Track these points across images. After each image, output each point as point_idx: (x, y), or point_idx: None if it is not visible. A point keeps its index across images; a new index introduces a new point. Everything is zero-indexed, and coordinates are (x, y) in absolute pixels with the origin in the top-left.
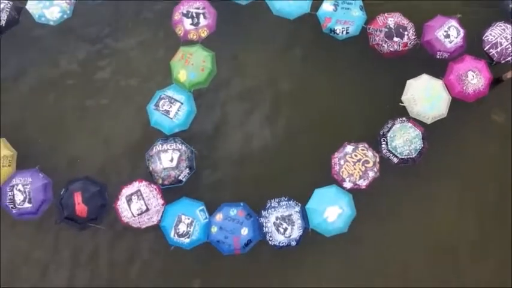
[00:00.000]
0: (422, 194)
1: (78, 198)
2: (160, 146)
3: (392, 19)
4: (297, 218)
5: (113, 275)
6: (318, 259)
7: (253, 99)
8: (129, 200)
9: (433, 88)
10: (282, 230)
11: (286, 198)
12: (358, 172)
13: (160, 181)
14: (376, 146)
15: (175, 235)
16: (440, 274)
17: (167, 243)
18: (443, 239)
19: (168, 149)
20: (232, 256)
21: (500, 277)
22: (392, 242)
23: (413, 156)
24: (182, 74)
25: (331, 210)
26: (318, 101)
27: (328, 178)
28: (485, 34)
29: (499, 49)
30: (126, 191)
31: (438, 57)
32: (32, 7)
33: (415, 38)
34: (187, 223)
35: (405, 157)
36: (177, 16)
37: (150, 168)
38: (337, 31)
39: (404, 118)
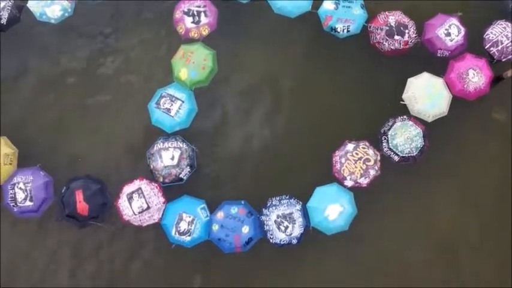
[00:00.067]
0: (423, 192)
1: (79, 196)
2: (161, 144)
3: (393, 17)
4: (298, 216)
5: (114, 273)
6: (319, 257)
7: (254, 97)
8: (130, 198)
9: (434, 86)
10: (283, 228)
11: (287, 197)
12: (359, 170)
13: (161, 179)
14: (377, 144)
15: (176, 233)
16: (441, 274)
17: (168, 241)
18: (444, 237)
19: (169, 147)
20: (233, 254)
21: (500, 277)
22: (393, 240)
23: (414, 154)
24: (183, 73)
25: (332, 209)
26: (319, 99)
27: (329, 176)
28: (486, 32)
29: (499, 47)
30: (127, 189)
31: (439, 55)
32: (33, 5)
33: (416, 36)
34: (188, 221)
35: (406, 155)
36: (178, 14)
37: (151, 166)
38: (338, 29)
39: (405, 116)
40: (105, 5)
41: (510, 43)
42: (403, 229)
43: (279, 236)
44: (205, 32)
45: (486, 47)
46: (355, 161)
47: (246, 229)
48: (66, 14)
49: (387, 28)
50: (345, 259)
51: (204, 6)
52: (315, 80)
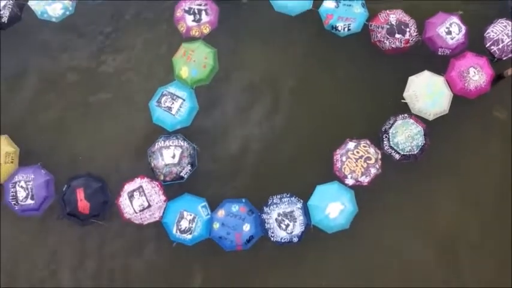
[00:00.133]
0: (423, 190)
1: (80, 194)
2: (162, 142)
3: (394, 16)
4: (299, 214)
5: (115, 271)
6: (320, 255)
7: (255, 95)
8: (131, 196)
9: (434, 85)
10: (284, 226)
11: (288, 195)
12: (360, 169)
13: (162, 177)
14: (378, 142)
15: (177, 231)
16: (441, 272)
17: (169, 239)
18: (444, 236)
19: (170, 145)
20: (234, 252)
21: (500, 277)
22: (393, 239)
23: (415, 152)
24: (184, 71)
25: (333, 207)
26: (320, 97)
27: (330, 175)
28: (487, 31)
29: (500, 46)
30: (128, 187)
31: (440, 53)
32: (34, 4)
33: (416, 35)
34: (189, 219)
35: (407, 153)
36: (179, 13)
37: (152, 165)
38: (339, 28)
39: (406, 114)
40: (105, 5)
41: (511, 41)
42: (403, 227)
43: (280, 234)
44: (206, 30)
45: (487, 46)
46: (356, 160)
47: (247, 227)
48: (68, 13)
49: (388, 27)
50: (346, 257)
51: (205, 4)
52: (316, 78)
